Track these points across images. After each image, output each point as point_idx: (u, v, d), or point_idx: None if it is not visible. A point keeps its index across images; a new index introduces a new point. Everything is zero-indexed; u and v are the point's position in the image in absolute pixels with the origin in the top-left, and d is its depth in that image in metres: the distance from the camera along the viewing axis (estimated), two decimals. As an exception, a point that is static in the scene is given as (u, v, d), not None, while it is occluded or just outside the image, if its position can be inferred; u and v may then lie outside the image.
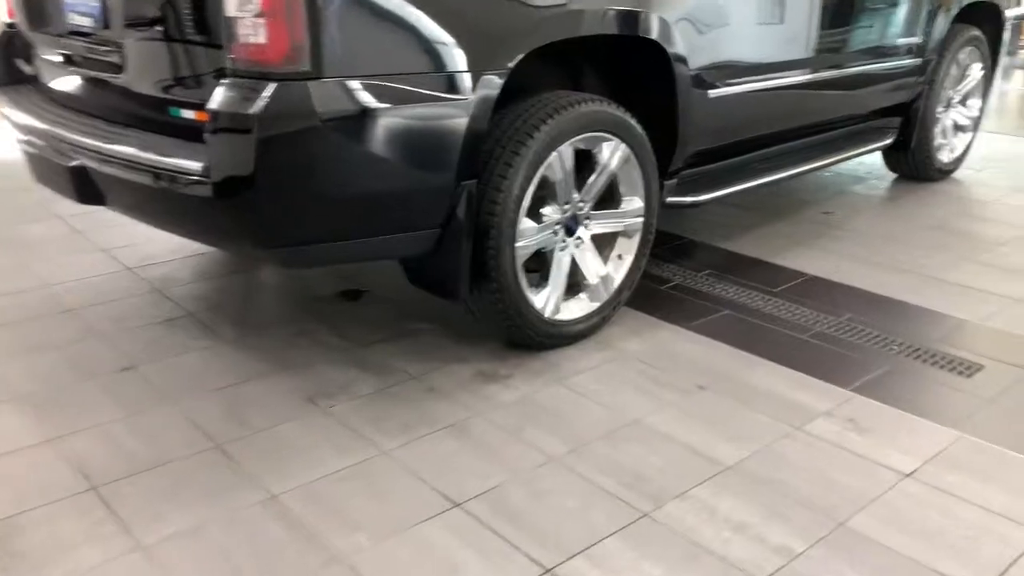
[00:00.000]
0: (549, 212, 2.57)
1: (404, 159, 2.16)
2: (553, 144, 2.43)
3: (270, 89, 1.91)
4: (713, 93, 2.95)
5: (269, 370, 2.54)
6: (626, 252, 2.82)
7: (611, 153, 2.63)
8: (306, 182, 2.04)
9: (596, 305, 2.75)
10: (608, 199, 2.76)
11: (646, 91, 2.84)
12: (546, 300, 2.59)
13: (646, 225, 2.82)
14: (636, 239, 2.81)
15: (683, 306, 3.02)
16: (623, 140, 2.64)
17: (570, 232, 2.64)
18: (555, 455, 2.13)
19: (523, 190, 2.39)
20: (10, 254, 3.46)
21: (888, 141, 4.16)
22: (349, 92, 2.01)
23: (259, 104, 1.90)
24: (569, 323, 2.67)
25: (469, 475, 2.05)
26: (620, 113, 2.61)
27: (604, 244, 2.81)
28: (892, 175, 4.75)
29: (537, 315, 2.56)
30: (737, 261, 3.46)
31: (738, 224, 3.89)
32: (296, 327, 2.82)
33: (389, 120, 2.09)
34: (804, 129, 3.73)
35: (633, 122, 2.66)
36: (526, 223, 2.46)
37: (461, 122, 2.19)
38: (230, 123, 1.93)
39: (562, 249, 2.63)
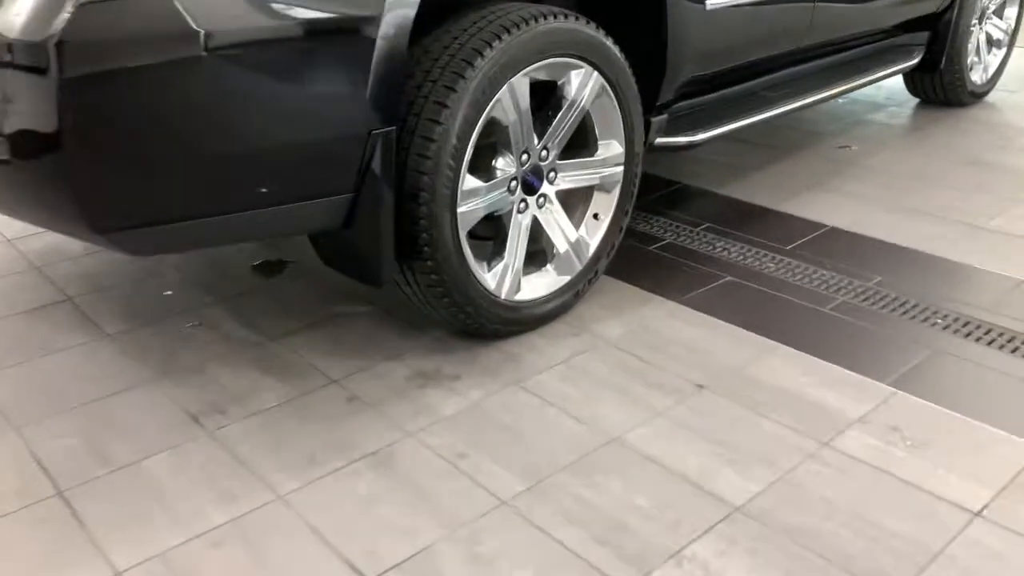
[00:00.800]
0: (502, 165, 2.00)
1: (294, 100, 1.58)
2: (502, 75, 1.84)
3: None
4: (710, 3, 2.34)
5: (151, 376, 2.00)
6: (604, 210, 2.25)
7: (581, 85, 2.04)
8: (148, 138, 1.46)
9: (566, 279, 2.19)
10: (579, 145, 2.18)
11: (625, 3, 2.24)
12: (501, 277, 2.03)
13: (628, 175, 2.24)
14: (616, 193, 2.24)
15: (676, 273, 2.47)
16: (596, 68, 2.05)
17: (531, 189, 2.07)
18: (507, 496, 1.61)
19: (464, 138, 1.81)
20: None
21: (914, 61, 3.55)
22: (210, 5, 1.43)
23: (57, 25, 1.31)
24: (532, 304, 2.12)
25: (389, 532, 1.52)
26: (592, 31, 2.01)
27: (575, 202, 2.24)
28: (915, 100, 4.15)
29: (489, 297, 2.00)
30: (741, 211, 2.90)
31: (741, 164, 3.31)
32: (197, 314, 2.27)
33: (267, 44, 1.51)
34: (817, 49, 3.11)
35: (609, 43, 2.07)
36: (470, 181, 1.89)
37: (367, 44, 1.60)
38: (21, 56, 1.35)
39: (521, 211, 2.06)
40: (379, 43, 1.61)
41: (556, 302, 2.18)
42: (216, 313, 2.27)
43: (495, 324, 2.06)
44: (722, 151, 3.41)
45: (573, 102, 2.05)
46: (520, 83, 1.90)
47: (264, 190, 1.61)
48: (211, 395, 1.92)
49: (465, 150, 1.83)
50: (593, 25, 2.03)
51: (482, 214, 1.96)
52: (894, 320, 2.20)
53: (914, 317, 2.22)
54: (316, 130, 1.62)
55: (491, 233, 2.09)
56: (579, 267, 2.21)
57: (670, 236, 2.71)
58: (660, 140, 2.42)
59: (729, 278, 2.43)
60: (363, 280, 1.85)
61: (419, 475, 1.66)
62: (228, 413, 1.86)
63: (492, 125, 1.91)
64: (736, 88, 2.69)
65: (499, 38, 1.83)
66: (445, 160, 1.79)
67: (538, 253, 2.17)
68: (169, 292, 2.39)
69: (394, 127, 1.70)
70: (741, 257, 2.55)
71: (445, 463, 1.69)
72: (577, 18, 1.99)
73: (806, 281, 2.41)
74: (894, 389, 1.91)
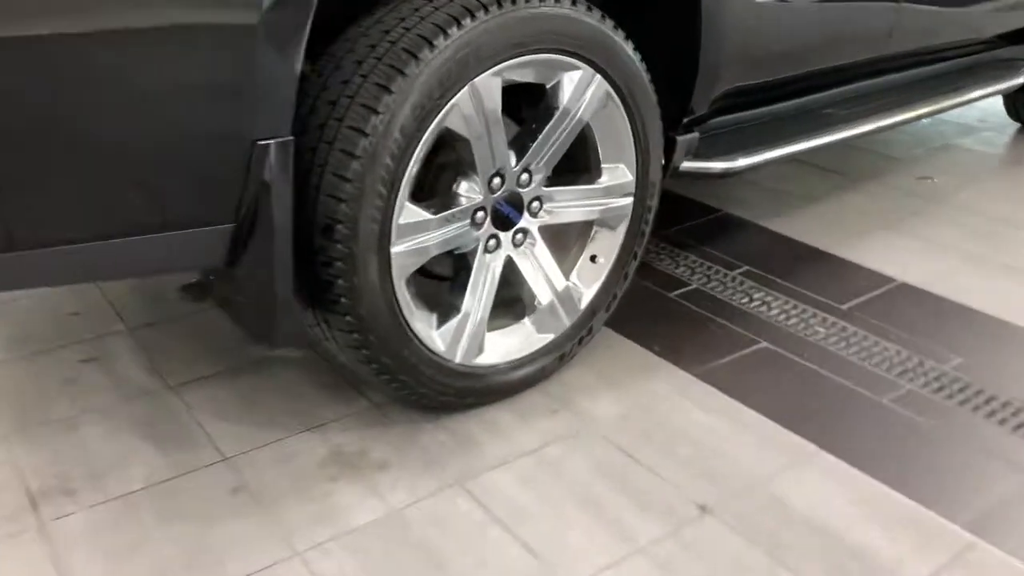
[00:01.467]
0: (465, 191, 1.52)
1: (138, 97, 1.12)
2: (461, 73, 1.36)
3: None
4: (763, -7, 1.82)
5: (3, 431, 1.57)
6: (605, 252, 1.75)
7: (578, 91, 1.54)
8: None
9: (548, 338, 1.70)
10: (576, 168, 1.70)
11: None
12: (455, 335, 1.55)
13: (639, 209, 1.74)
14: (622, 231, 1.75)
15: (697, 332, 1.96)
16: (599, 69, 1.55)
17: (505, 223, 1.58)
18: (402, 673, 1.13)
19: (401, 155, 1.34)
20: None
21: (1019, 80, 2.95)
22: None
23: None
24: (499, 369, 1.64)
25: None
26: (594, 20, 1.51)
27: (567, 239, 1.76)
28: (1015, 125, 3.53)
29: (436, 362, 1.53)
30: (790, 253, 2.36)
31: (796, 192, 2.76)
32: (96, 345, 1.84)
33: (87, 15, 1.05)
34: (896, 60, 2.55)
35: (619, 37, 1.57)
36: (412, 211, 1.41)
37: (239, 29, 1.13)
38: None
39: (490, 250, 1.58)
40: (266, 18, 1.14)
41: (533, 367, 1.69)
42: (117, 346, 1.83)
43: (445, 396, 1.58)
44: (774, 175, 2.86)
45: (565, 112, 1.55)
46: (487, 85, 1.41)
47: (115, 214, 1.16)
48: (65, 465, 1.49)
49: (404, 171, 1.35)
50: (598, 13, 1.53)
51: (432, 254, 1.49)
52: (977, 424, 1.66)
53: (1004, 422, 1.68)
54: (171, 138, 1.15)
55: (448, 272, 1.62)
56: (567, 324, 1.72)
57: (698, 279, 2.19)
58: (688, 165, 1.90)
59: (764, 344, 1.91)
60: (254, 338, 1.39)
61: (289, 624, 1.20)
62: (76, 496, 1.42)
63: (445, 138, 1.44)
64: (792, 103, 2.14)
65: (457, 23, 1.34)
66: (372, 183, 1.32)
67: (513, 300, 1.69)
68: (76, 313, 1.97)
69: (291, 137, 1.23)
70: (783, 315, 2.03)
71: (331, 609, 1.23)
72: (575, 2, 1.49)
73: (863, 357, 1.87)
74: (972, 537, 1.38)
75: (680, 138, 1.86)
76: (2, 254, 1.11)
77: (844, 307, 2.08)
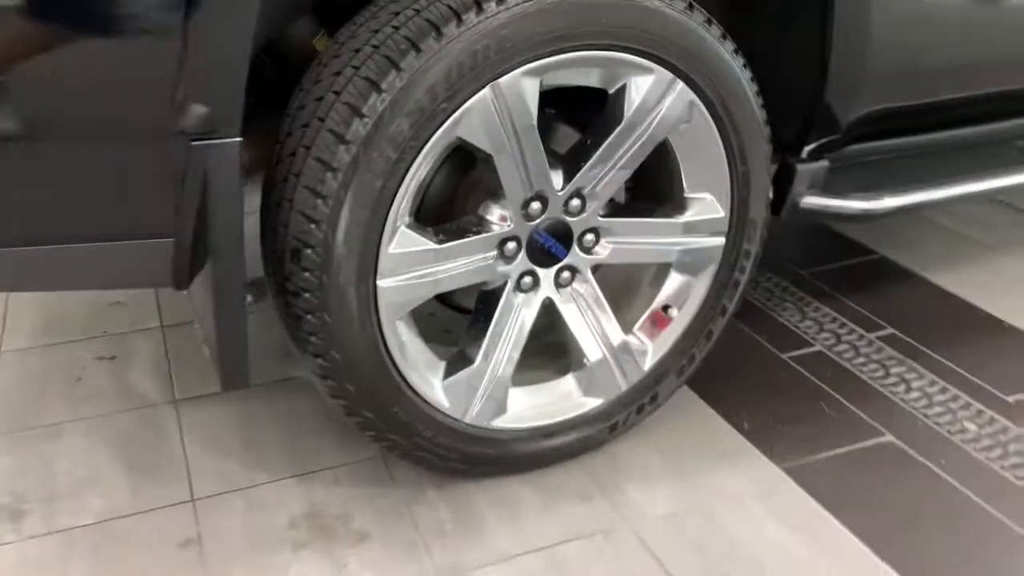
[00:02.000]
0: (493, 216, 1.22)
1: (54, 78, 0.91)
2: (477, 71, 1.06)
3: None
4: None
5: (-12, 430, 1.45)
6: (681, 303, 1.40)
7: (650, 99, 1.20)
8: None
9: (596, 403, 1.38)
10: (653, 194, 1.36)
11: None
12: (467, 390, 1.26)
13: (732, 253, 1.37)
14: (707, 279, 1.38)
15: (806, 409, 1.56)
16: (682, 73, 1.20)
17: (547, 258, 1.27)
18: None
19: (391, 169, 1.06)
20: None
21: None
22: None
23: None
24: (524, 435, 1.34)
25: None
26: (675, 11, 1.16)
27: (633, 282, 1.42)
28: None
29: (437, 421, 1.25)
30: (954, 318, 1.88)
31: (979, 238, 2.23)
32: (121, 342, 1.71)
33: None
34: None
35: (711, 34, 1.21)
36: (408, 238, 1.13)
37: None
38: None
39: (524, 290, 1.27)
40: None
41: (572, 436, 1.37)
42: (141, 345, 1.69)
43: (450, 462, 1.30)
44: (953, 213, 2.34)
45: (631, 126, 1.21)
46: (516, 86, 1.10)
47: (23, 217, 0.96)
48: (27, 482, 1.34)
49: (396, 188, 1.08)
50: (682, 2, 1.18)
51: (442, 289, 1.21)
52: None
53: None
54: (81, 132, 0.94)
55: (470, 304, 1.33)
56: (622, 388, 1.38)
57: (824, 339, 1.77)
58: (812, 201, 1.49)
59: (889, 438, 1.49)
60: (221, 380, 1.15)
61: None
62: (22, 522, 1.26)
63: (465, 154, 1.15)
64: (965, 132, 1.66)
65: (477, 6, 1.04)
66: (352, 202, 1.06)
67: (556, 345, 1.38)
68: (118, 302, 1.85)
69: (238, 139, 0.98)
70: (924, 401, 1.58)
71: None
72: None
73: (1025, 475, 1.41)
74: None
75: (802, 167, 1.47)
76: None
77: (1011, 399, 1.60)
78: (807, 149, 1.47)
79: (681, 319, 1.40)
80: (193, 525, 1.26)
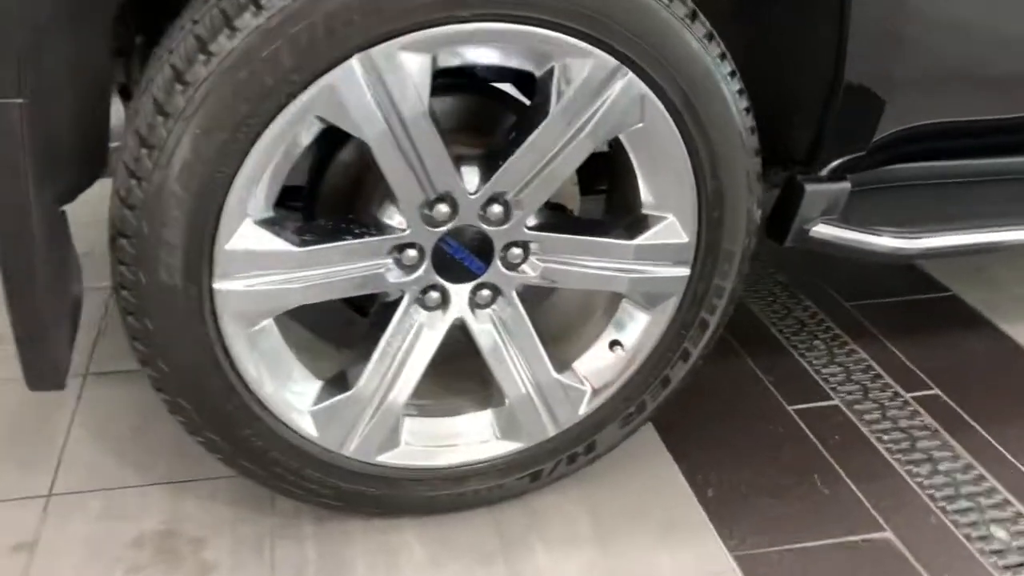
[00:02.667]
0: (392, 220, 1.01)
1: None
2: (337, 38, 0.84)
3: None
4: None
5: None
6: (632, 341, 1.14)
7: (588, 89, 0.95)
8: None
9: (513, 447, 1.15)
10: (617, 205, 1.12)
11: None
12: (340, 420, 1.06)
13: (699, 287, 1.11)
14: (663, 316, 1.12)
15: (795, 482, 1.28)
16: (628, 60, 0.94)
17: (457, 273, 1.05)
18: None
19: (224, 149, 0.86)
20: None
21: None
22: None
23: None
24: (421, 475, 1.13)
25: None
26: None
27: (575, 308, 1.18)
28: None
29: (305, 452, 1.05)
30: (1015, 384, 1.53)
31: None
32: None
33: None
34: None
35: (668, 12, 0.94)
36: (253, 235, 0.93)
37: None
38: None
39: (429, 306, 1.06)
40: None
41: (483, 483, 1.15)
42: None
43: (324, 498, 1.11)
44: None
45: (561, 119, 0.96)
46: (395, 60, 0.88)
47: None
48: None
49: (233, 172, 0.88)
50: None
51: (316, 298, 1.00)
52: None
53: None
54: None
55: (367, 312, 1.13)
56: (548, 432, 1.15)
57: (846, 393, 1.47)
58: (822, 231, 1.20)
59: (887, 535, 1.19)
60: (24, 378, 1.00)
61: None
62: None
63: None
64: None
65: (331, -53, 0.82)
66: (174, 186, 0.87)
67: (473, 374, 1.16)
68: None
69: (18, 100, 0.80)
70: (949, 491, 1.27)
71: None
72: None
73: (1055, 614, 1.09)
74: None
75: (812, 187, 1.17)
76: None
77: (1066, 503, 1.26)
78: (827, 167, 1.18)
79: (630, 360, 1.15)
80: (36, 526, 1.13)
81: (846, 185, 1.19)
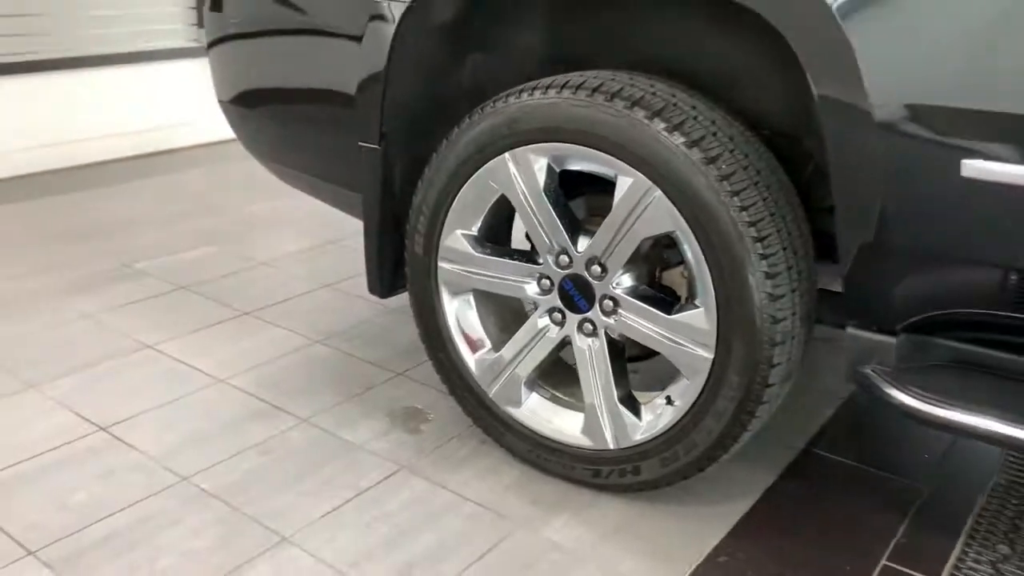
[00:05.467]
0: (538, 258, 1.62)
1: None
2: (498, 143, 1.52)
3: None
4: (970, 169, 1.11)
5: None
6: (681, 400, 1.49)
7: (630, 197, 1.42)
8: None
9: (585, 442, 1.61)
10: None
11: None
12: (492, 371, 1.69)
13: (721, 375, 1.41)
14: (694, 389, 1.45)
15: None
16: (656, 181, 1.38)
17: (573, 306, 1.58)
18: None
19: (449, 191, 1.61)
20: None
21: None
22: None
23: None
24: (529, 433, 1.67)
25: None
26: (616, 118, 1.37)
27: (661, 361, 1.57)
28: None
29: (467, 376, 1.72)
30: None
31: None
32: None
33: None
34: None
35: (671, 142, 1.34)
36: (456, 239, 1.64)
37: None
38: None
39: (556, 321, 1.60)
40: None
41: (562, 461, 1.64)
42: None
43: (476, 415, 1.75)
44: None
45: (618, 215, 1.45)
46: (528, 159, 1.51)
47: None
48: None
49: (448, 203, 1.62)
50: (641, 112, 1.36)
51: (478, 286, 1.67)
52: None
53: None
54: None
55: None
56: (608, 444, 1.58)
57: (963, 586, 1.41)
58: (866, 374, 1.32)
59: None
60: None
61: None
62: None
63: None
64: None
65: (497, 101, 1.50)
66: (424, 208, 1.66)
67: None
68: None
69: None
70: None
71: None
72: (608, 96, 1.38)
73: None
74: None
75: (853, 331, 1.33)
76: None
77: None
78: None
79: (678, 414, 1.49)
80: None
81: (892, 339, 1.31)
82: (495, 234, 1.69)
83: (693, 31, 1.53)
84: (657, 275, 1.61)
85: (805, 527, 1.56)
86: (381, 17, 1.62)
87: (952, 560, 1.46)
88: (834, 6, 1.17)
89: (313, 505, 1.60)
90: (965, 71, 1.14)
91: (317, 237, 2.99)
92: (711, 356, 1.42)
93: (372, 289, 1.87)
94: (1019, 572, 1.43)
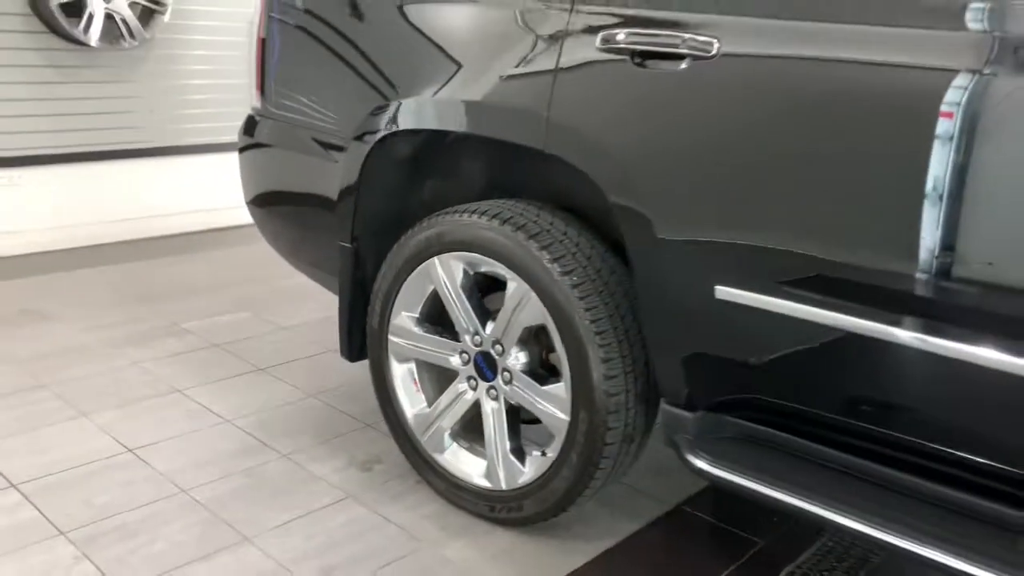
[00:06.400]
0: (460, 338, 2.10)
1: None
2: (428, 250, 2.04)
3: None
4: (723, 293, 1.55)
5: None
6: (551, 451, 1.94)
7: (514, 296, 1.91)
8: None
9: (486, 484, 2.07)
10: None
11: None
12: (423, 419, 2.17)
13: (572, 435, 1.86)
14: (556, 448, 1.91)
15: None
16: (530, 282, 1.86)
17: (483, 376, 2.05)
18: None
19: (393, 287, 2.14)
20: None
21: None
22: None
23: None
24: (448, 475, 2.13)
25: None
26: (498, 234, 1.89)
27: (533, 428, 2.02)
28: None
29: (407, 428, 2.20)
30: None
31: None
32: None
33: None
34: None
35: (534, 249, 1.84)
36: (403, 319, 2.14)
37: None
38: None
39: (471, 386, 2.08)
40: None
41: (469, 497, 2.09)
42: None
43: (413, 459, 2.22)
44: None
45: (508, 307, 1.93)
46: (449, 263, 2.01)
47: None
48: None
49: (396, 294, 2.12)
50: (510, 227, 1.87)
51: (420, 355, 2.15)
52: None
53: None
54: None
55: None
56: (501, 486, 2.03)
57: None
58: (679, 443, 1.75)
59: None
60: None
61: (230, 459, 2.33)
62: (334, 396, 2.74)
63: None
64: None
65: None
66: (383, 298, 2.17)
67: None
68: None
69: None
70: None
71: None
72: (490, 215, 1.90)
73: None
74: None
75: (672, 408, 1.77)
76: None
77: None
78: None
79: (545, 463, 1.94)
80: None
81: (697, 415, 1.74)
82: (438, 317, 2.18)
83: (553, 173, 1.99)
84: (545, 356, 2.07)
85: (648, 564, 1.96)
86: (355, 148, 2.16)
87: (757, 597, 1.84)
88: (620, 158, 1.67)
89: (273, 517, 2.08)
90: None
91: (331, 310, 3.52)
92: (568, 419, 1.87)
93: (343, 353, 2.38)
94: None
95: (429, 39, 2.05)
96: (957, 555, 1.43)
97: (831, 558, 1.98)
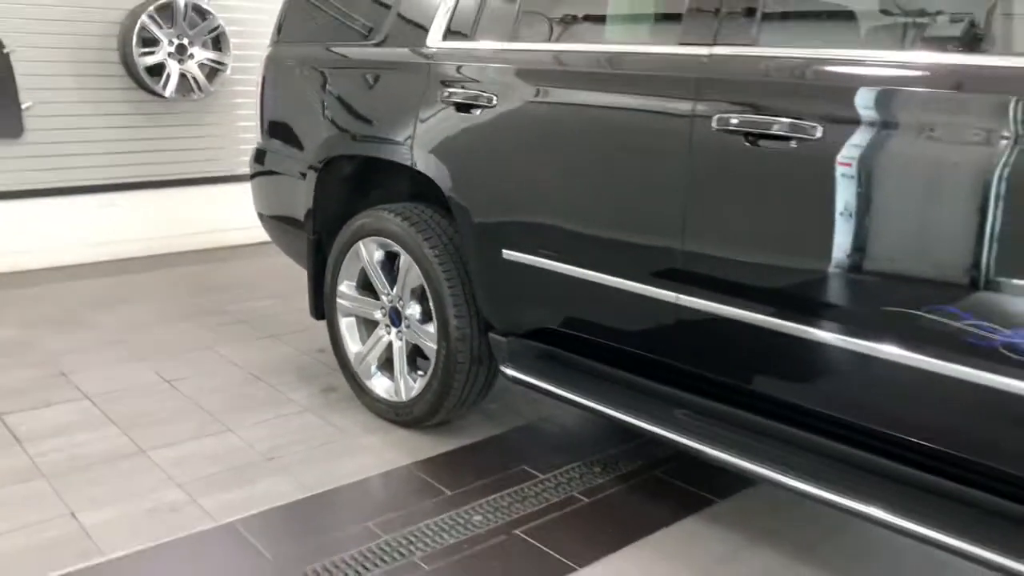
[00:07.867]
0: (380, 296, 3.04)
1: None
2: (356, 235, 3.00)
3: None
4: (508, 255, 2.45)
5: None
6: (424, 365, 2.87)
7: (406, 265, 2.85)
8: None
9: (395, 399, 2.99)
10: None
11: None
12: (359, 355, 3.11)
13: (437, 360, 2.77)
14: (431, 367, 2.82)
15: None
16: (409, 251, 2.80)
17: (394, 322, 2.99)
18: (202, 404, 3.17)
19: (339, 258, 3.09)
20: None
21: None
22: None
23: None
24: (376, 394, 3.07)
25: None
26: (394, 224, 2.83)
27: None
28: None
29: (351, 362, 3.14)
30: None
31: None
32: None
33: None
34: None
35: (416, 232, 2.78)
36: (344, 285, 3.11)
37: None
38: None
39: (387, 330, 3.02)
40: (306, 191, 3.18)
41: (389, 406, 3.02)
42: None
43: (352, 381, 3.16)
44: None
45: (400, 269, 2.87)
46: (368, 244, 2.96)
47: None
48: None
49: (339, 267, 3.09)
50: (403, 220, 2.80)
51: (355, 309, 3.10)
52: None
53: None
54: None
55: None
56: (403, 397, 2.95)
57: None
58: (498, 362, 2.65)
59: (447, 494, 2.55)
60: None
61: (233, 387, 3.33)
62: (319, 353, 3.73)
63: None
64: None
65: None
66: (332, 266, 3.14)
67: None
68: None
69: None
70: None
71: (240, 393, 3.29)
72: (398, 214, 2.83)
73: None
74: None
75: (491, 334, 2.67)
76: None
77: None
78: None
79: (424, 380, 2.85)
80: (327, 374, 3.50)
81: (509, 339, 2.63)
82: (367, 284, 3.12)
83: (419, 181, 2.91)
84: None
85: (474, 466, 2.83)
86: (311, 170, 3.15)
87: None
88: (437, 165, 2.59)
89: (252, 418, 3.06)
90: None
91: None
92: (436, 348, 2.78)
93: (312, 314, 3.35)
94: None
95: (339, 97, 3.05)
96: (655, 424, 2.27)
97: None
